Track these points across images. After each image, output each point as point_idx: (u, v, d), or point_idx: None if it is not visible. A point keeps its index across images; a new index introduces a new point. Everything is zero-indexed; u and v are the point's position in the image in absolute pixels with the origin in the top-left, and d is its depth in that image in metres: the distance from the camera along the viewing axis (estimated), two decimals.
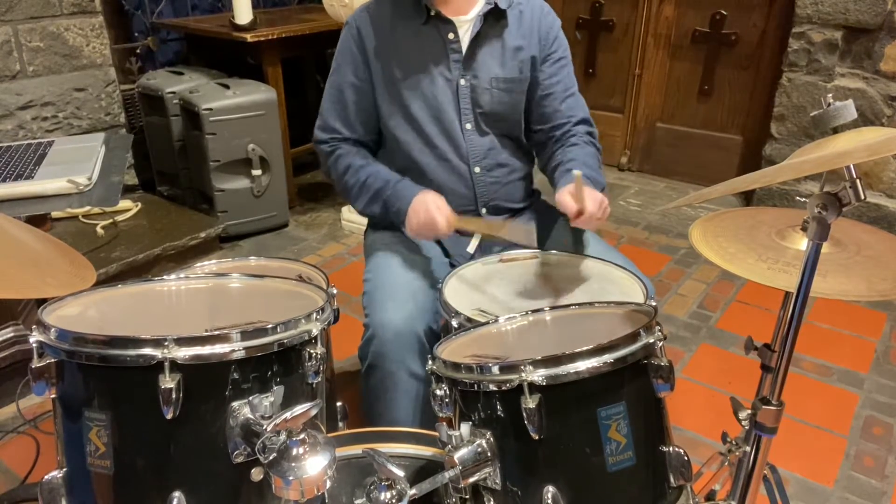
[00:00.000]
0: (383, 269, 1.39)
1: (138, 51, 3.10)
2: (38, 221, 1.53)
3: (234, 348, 0.83)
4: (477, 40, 1.41)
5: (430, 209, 1.31)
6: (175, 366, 0.80)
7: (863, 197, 0.80)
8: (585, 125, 1.52)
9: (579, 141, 1.48)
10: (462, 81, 1.42)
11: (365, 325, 1.31)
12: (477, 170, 1.47)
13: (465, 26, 1.41)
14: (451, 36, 1.40)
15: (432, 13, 1.39)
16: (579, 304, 1.10)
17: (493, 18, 1.41)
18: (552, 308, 1.05)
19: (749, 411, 1.12)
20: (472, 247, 1.48)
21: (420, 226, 1.32)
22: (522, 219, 1.51)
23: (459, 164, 1.46)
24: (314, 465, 0.73)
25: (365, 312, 1.33)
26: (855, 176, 0.80)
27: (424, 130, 1.44)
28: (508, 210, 1.54)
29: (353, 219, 3.01)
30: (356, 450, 0.99)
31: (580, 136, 1.49)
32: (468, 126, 1.44)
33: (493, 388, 0.86)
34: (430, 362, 0.96)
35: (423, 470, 1.00)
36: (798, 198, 2.99)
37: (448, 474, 0.86)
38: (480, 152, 1.46)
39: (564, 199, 1.25)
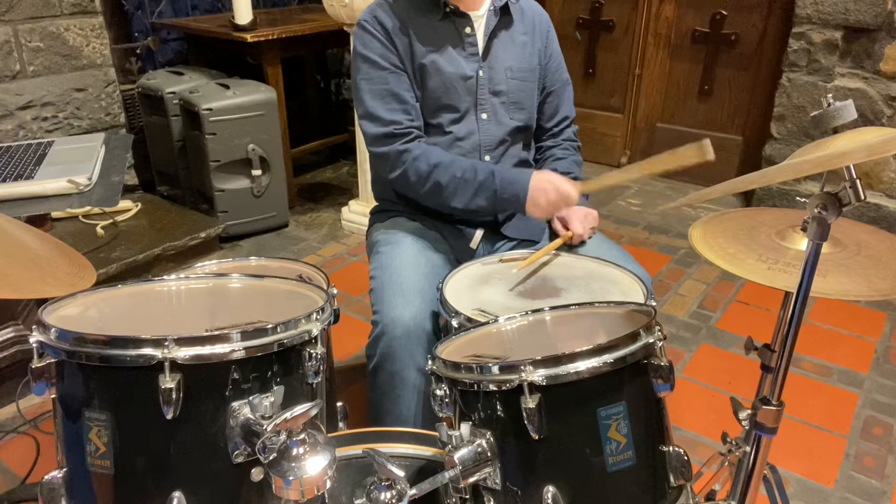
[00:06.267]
0: (390, 266, 1.40)
1: (138, 51, 3.10)
2: (38, 221, 1.52)
3: (234, 348, 0.83)
4: (491, 33, 1.47)
5: (557, 185, 1.35)
6: (175, 366, 0.80)
7: (863, 197, 0.80)
8: (571, 125, 1.65)
9: (569, 146, 1.62)
10: (480, 73, 1.47)
11: (373, 322, 1.31)
12: (487, 158, 1.50)
13: (479, 21, 1.47)
14: (467, 30, 1.46)
15: (449, 9, 1.44)
16: (579, 304, 1.10)
17: (503, 12, 1.48)
18: (552, 308, 1.05)
19: (749, 411, 1.12)
20: (474, 242, 1.51)
21: (550, 203, 1.36)
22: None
23: (471, 153, 1.49)
24: (314, 465, 0.73)
25: (373, 309, 1.33)
26: (855, 176, 0.80)
27: (440, 118, 1.48)
28: None
29: (352, 219, 3.01)
30: (356, 450, 0.99)
31: (568, 139, 1.63)
32: (483, 116, 1.49)
33: (493, 388, 0.86)
34: (429, 362, 0.96)
35: (423, 470, 1.00)
36: (798, 198, 2.99)
37: (448, 474, 0.86)
38: (492, 143, 1.50)
39: (556, 227, 1.50)
